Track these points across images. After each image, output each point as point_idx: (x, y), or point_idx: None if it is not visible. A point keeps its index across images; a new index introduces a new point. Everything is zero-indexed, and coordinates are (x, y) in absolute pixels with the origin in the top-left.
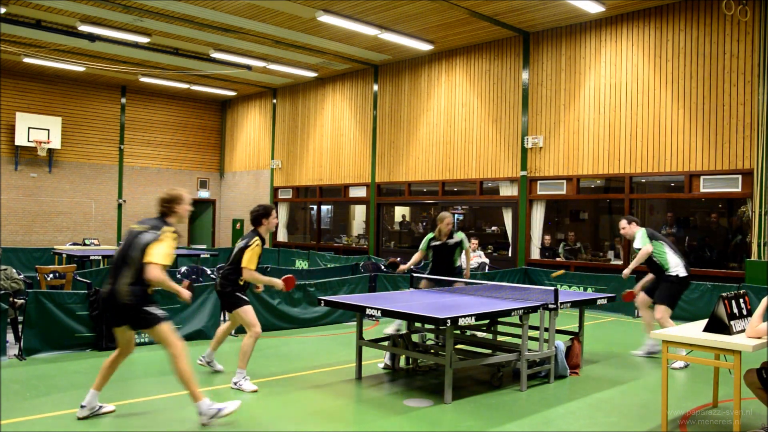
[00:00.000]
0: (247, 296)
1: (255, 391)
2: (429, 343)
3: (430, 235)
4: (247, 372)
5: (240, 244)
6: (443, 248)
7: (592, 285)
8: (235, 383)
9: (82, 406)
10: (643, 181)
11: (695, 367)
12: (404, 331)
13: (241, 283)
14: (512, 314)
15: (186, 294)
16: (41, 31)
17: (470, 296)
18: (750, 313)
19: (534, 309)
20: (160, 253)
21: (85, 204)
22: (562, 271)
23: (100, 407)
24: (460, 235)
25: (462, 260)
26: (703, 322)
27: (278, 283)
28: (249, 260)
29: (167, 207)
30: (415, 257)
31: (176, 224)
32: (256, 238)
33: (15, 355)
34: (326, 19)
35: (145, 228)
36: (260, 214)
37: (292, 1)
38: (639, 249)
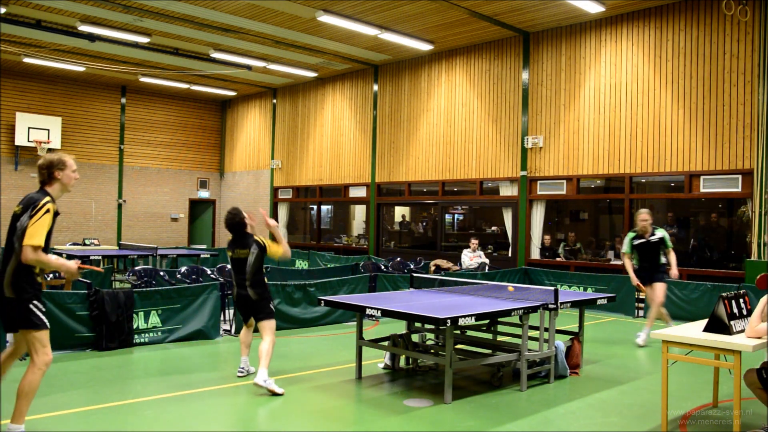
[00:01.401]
0: None
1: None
2: (429, 343)
3: (631, 234)
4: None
5: (248, 252)
6: (646, 246)
7: (592, 285)
8: (265, 381)
9: None
10: (643, 181)
11: (695, 367)
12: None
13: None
14: (512, 314)
15: (72, 266)
16: (41, 31)
17: (470, 296)
18: (750, 313)
19: (534, 309)
20: (32, 233)
21: (85, 204)
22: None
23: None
24: (661, 232)
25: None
26: (703, 322)
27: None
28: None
29: (45, 173)
30: (627, 263)
31: (59, 194)
32: (256, 237)
33: None
34: (326, 19)
35: (20, 209)
36: (242, 221)
37: (292, 1)
38: None
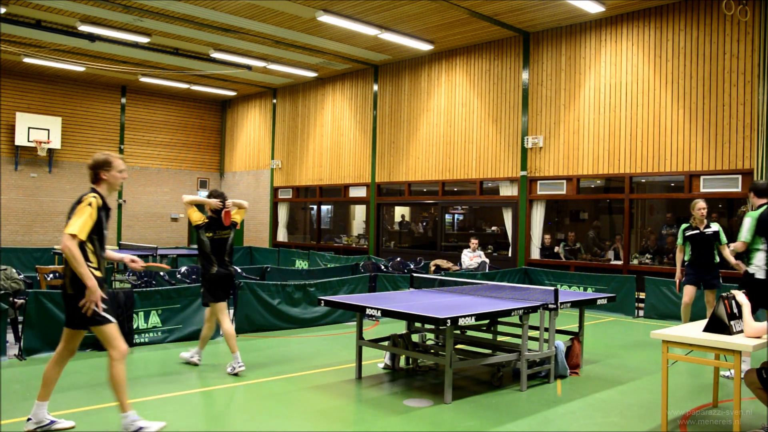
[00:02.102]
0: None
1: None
2: (429, 343)
3: (685, 225)
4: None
5: (230, 233)
6: (700, 239)
7: (592, 285)
8: (234, 368)
9: (28, 419)
10: (643, 181)
11: (695, 367)
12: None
13: None
14: (512, 314)
15: (96, 296)
16: (41, 31)
17: (470, 296)
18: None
19: (534, 309)
20: (72, 222)
21: None
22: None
23: (52, 422)
24: (717, 225)
25: (728, 255)
26: (703, 322)
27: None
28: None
29: (92, 173)
30: (677, 256)
31: (107, 193)
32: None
33: (15, 355)
34: (326, 19)
35: (72, 206)
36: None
37: (292, 1)
38: None
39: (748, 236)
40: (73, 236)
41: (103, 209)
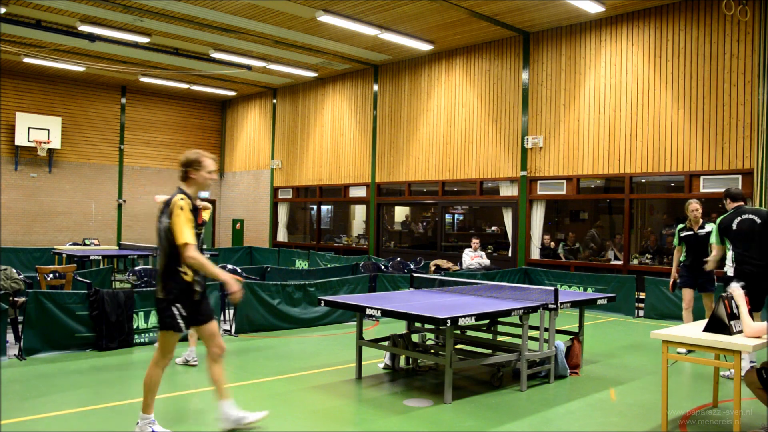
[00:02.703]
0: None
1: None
2: (429, 343)
3: (680, 225)
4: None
5: (203, 230)
6: (694, 240)
7: (592, 285)
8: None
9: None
10: (643, 181)
11: (695, 367)
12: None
13: None
14: (512, 314)
15: (235, 286)
16: (41, 31)
17: (470, 296)
18: (749, 314)
19: (534, 309)
20: (178, 234)
21: (85, 204)
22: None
23: (243, 417)
24: (711, 226)
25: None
26: (703, 322)
27: None
28: None
29: (183, 171)
30: (675, 256)
31: (195, 192)
32: None
33: (15, 355)
34: (326, 19)
35: (161, 208)
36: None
37: (292, 1)
38: None
39: (715, 240)
40: (188, 245)
41: (193, 210)
